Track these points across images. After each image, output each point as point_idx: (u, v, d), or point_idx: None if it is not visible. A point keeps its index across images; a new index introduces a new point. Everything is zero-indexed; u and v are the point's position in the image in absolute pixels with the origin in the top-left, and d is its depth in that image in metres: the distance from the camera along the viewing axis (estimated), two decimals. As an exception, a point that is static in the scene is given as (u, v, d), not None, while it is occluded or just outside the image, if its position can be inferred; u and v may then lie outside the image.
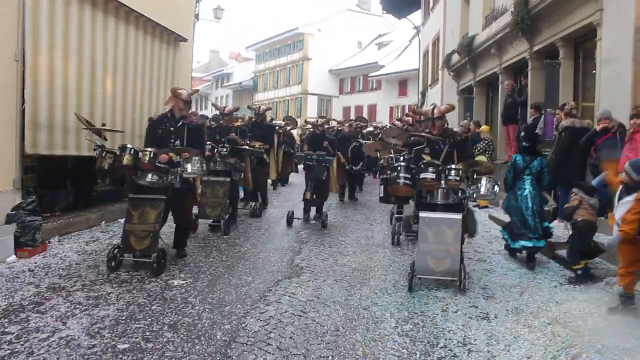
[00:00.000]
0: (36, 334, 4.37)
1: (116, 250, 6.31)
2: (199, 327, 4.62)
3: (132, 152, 6.38)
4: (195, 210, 8.24)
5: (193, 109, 13.63)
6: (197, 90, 7.47)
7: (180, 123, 6.83)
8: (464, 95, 17.16)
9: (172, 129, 6.77)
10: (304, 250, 7.74)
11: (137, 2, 9.98)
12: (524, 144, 7.52)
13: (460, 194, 6.21)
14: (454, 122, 16.24)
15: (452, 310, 5.26)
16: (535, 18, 10.75)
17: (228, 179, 8.96)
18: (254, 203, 10.64)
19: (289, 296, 5.56)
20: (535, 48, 11.21)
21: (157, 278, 6.04)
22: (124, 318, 4.79)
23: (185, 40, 12.26)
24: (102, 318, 4.76)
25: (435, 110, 6.67)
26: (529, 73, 11.59)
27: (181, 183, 6.65)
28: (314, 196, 9.74)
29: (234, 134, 9.41)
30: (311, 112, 43.45)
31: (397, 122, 14.57)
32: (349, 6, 51.15)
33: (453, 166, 6.08)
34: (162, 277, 6.11)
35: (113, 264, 6.23)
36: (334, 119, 17.11)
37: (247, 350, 4.16)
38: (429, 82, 23.41)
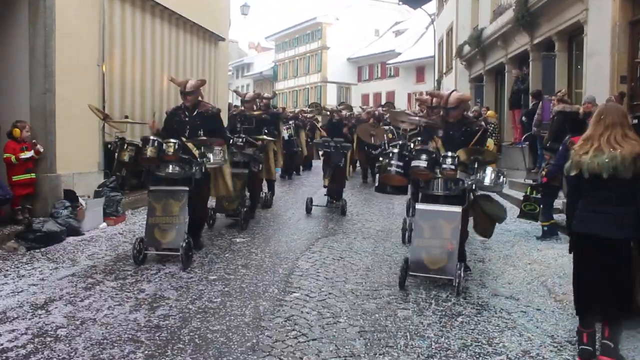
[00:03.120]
0: (146, 271, 5.97)
1: (140, 244, 6.22)
2: (264, 267, 6.22)
3: (155, 144, 6.31)
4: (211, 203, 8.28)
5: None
6: (204, 81, 7.20)
7: (195, 112, 6.79)
8: (475, 83, 18.53)
9: (186, 119, 6.76)
10: (334, 217, 9.28)
11: (183, 8, 11.54)
12: None
13: (460, 185, 5.66)
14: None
15: (455, 256, 6.75)
16: (533, 15, 12.12)
17: (246, 171, 8.56)
18: (265, 193, 10.29)
19: (328, 248, 7.14)
20: (535, 41, 12.59)
21: (222, 237, 7.65)
22: (207, 261, 6.41)
23: (223, 39, 13.86)
24: (180, 268, 6.34)
25: (451, 100, 5.85)
26: (530, 64, 12.97)
27: (200, 174, 6.62)
28: (332, 183, 9.79)
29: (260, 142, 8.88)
30: (331, 99, 44.81)
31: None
32: (366, -6, 52.29)
33: (449, 154, 5.49)
34: (225, 236, 7.72)
35: (140, 257, 6.19)
36: (360, 107, 18.25)
37: (303, 279, 5.75)
38: (444, 70, 24.74)
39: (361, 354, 3.97)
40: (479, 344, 4.20)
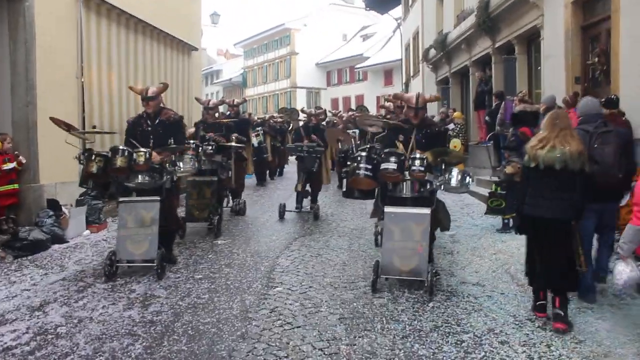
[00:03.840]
0: (134, 274, 6.24)
1: (113, 257, 6.07)
2: (246, 265, 6.58)
3: (125, 153, 6.10)
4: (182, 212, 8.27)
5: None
6: (166, 85, 7.00)
7: (157, 120, 6.58)
8: (442, 86, 19.15)
9: (149, 128, 6.55)
10: (310, 219, 9.64)
11: (157, 20, 11.82)
12: None
13: (428, 186, 5.74)
14: (433, 109, 18.23)
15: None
16: (494, 20, 12.74)
17: (215, 179, 8.46)
18: (237, 200, 10.23)
19: (306, 247, 7.52)
20: (497, 45, 13.21)
21: (204, 239, 7.96)
22: (191, 262, 6.73)
23: (196, 49, 14.14)
24: (168, 270, 6.65)
25: (420, 100, 5.97)
26: (493, 66, 13.58)
27: (170, 183, 6.48)
28: (307, 188, 9.76)
29: (212, 134, 8.80)
30: (300, 104, 45.01)
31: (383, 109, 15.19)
32: (333, 0, 52.87)
33: (417, 155, 5.55)
34: (206, 239, 8.03)
35: (111, 271, 6.03)
36: (331, 111, 18.53)
37: (284, 275, 6.13)
38: (412, 74, 25.36)
39: (342, 337, 4.36)
40: (449, 324, 4.63)
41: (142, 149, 6.18)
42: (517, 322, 4.67)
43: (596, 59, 8.78)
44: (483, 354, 4.06)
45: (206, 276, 6.13)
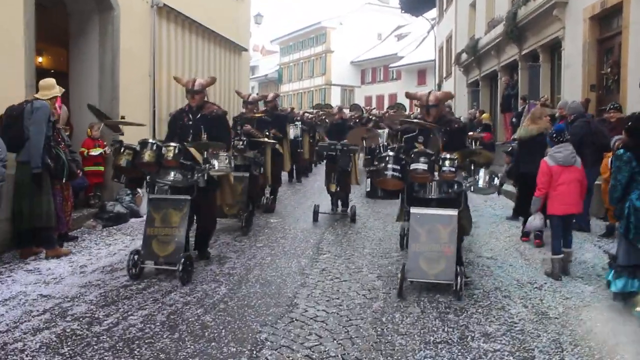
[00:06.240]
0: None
1: (136, 257, 5.77)
2: (298, 238, 7.91)
3: (154, 147, 5.82)
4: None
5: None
6: (214, 79, 6.80)
7: (199, 115, 6.34)
8: (472, 88, 20.19)
9: (190, 122, 6.33)
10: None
11: (214, 24, 13.22)
12: None
13: (456, 187, 5.61)
14: (463, 110, 19.30)
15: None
16: (521, 29, 13.79)
17: (247, 174, 8.34)
18: (267, 197, 10.07)
19: (347, 226, 8.81)
20: (523, 52, 14.26)
21: (258, 218, 9.26)
22: (251, 234, 8.06)
23: (246, 49, 15.53)
24: (233, 239, 8.00)
25: (431, 97, 5.91)
26: (519, 72, 14.62)
27: (206, 181, 6.09)
28: (338, 188, 9.33)
29: (248, 126, 8.78)
30: (335, 102, 46.16)
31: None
32: (369, 0, 53.91)
33: (448, 156, 5.44)
34: (260, 218, 9.31)
35: (134, 271, 5.74)
36: (365, 107, 19.23)
37: (330, 245, 7.43)
38: (444, 75, 26.39)
39: (380, 288, 5.62)
40: (464, 283, 5.82)
41: (172, 144, 5.90)
42: (519, 284, 5.84)
43: (609, 70, 9.81)
44: (488, 302, 5.27)
45: (266, 244, 7.45)
